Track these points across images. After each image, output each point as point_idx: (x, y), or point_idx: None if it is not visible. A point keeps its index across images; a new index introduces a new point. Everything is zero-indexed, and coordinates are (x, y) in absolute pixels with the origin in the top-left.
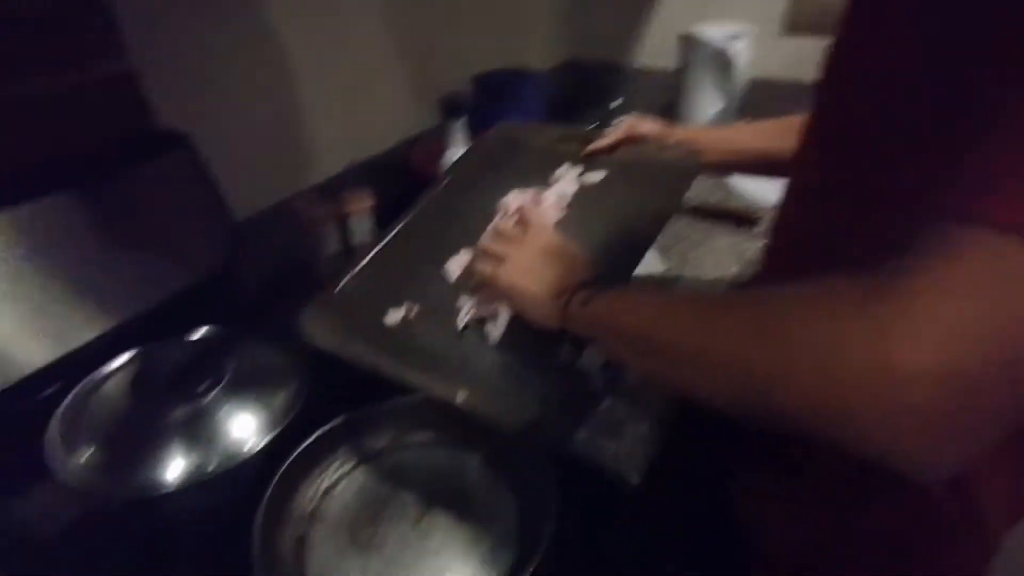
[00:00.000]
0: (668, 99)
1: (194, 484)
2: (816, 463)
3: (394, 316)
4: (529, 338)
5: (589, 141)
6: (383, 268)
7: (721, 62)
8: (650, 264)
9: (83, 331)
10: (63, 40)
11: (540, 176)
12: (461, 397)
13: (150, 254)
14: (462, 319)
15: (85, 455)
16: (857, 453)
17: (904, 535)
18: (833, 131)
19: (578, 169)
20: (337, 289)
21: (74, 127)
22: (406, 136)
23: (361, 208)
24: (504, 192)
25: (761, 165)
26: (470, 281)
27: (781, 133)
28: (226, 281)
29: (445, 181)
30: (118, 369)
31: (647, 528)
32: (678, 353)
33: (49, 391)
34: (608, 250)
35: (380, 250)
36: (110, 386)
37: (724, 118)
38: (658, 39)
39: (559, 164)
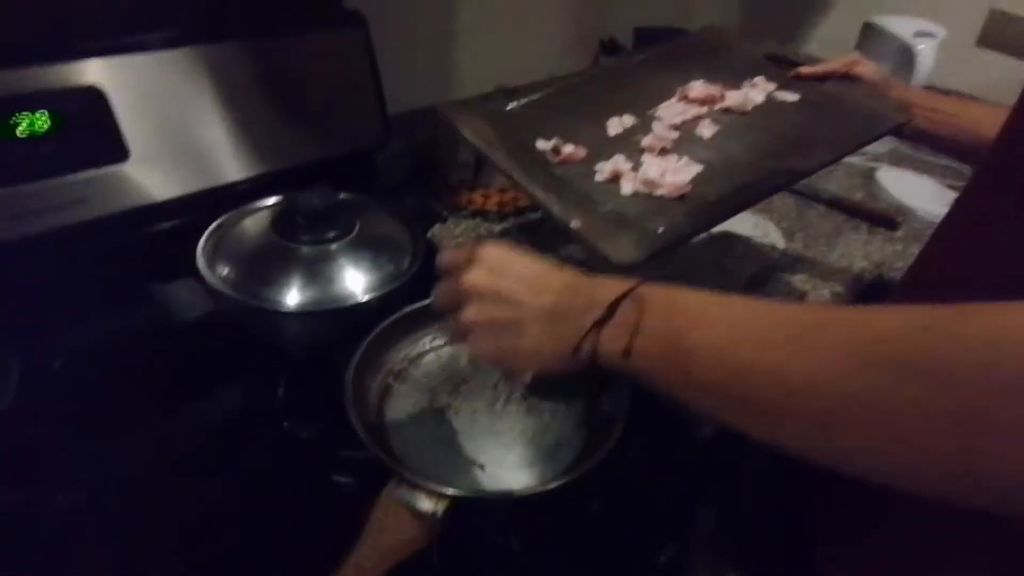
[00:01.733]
0: None
1: (308, 312)
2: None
3: (543, 144)
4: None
5: (798, 66)
6: (550, 105)
7: (903, 60)
8: (771, 238)
9: (238, 171)
10: None
11: (734, 80)
12: (576, 223)
13: (310, 118)
14: (600, 175)
15: (225, 267)
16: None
17: None
18: None
19: (774, 84)
20: (504, 108)
21: None
22: (554, 74)
23: None
24: (691, 80)
25: (971, 149)
26: (627, 139)
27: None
28: (372, 161)
29: (640, 56)
30: (264, 207)
31: (704, 479)
32: (778, 391)
33: (201, 215)
34: (750, 166)
35: (554, 91)
36: (256, 218)
37: None
38: (836, 28)
39: (757, 74)
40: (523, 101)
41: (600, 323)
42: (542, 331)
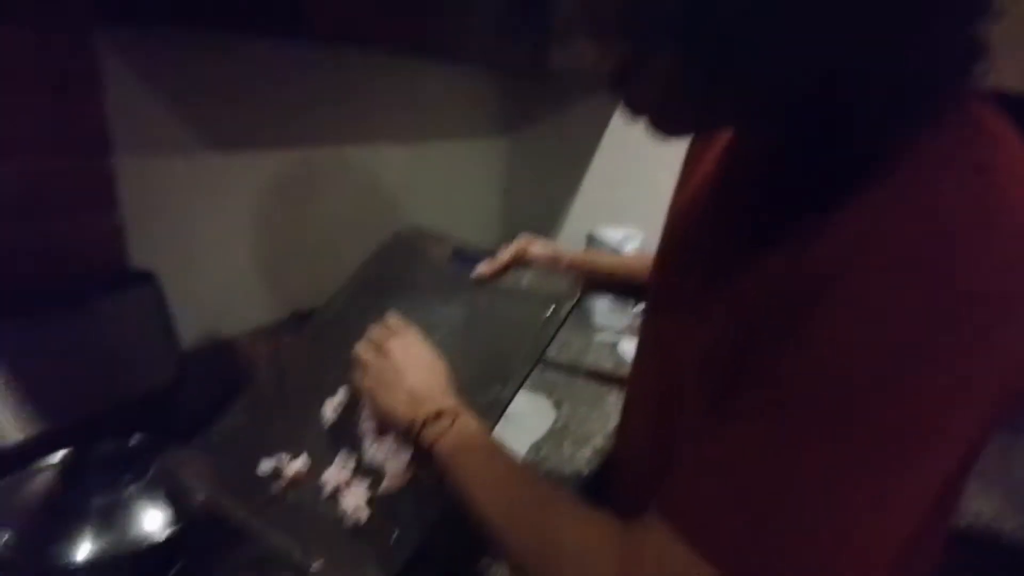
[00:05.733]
0: None
1: (100, 564)
2: None
3: (266, 467)
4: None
5: (482, 256)
6: (264, 408)
7: None
8: (544, 414)
9: (26, 428)
10: (61, 195)
11: (434, 294)
12: (316, 567)
13: (102, 369)
14: (326, 490)
15: (8, 533)
16: None
17: None
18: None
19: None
20: (213, 432)
21: (57, 265)
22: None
23: None
24: (388, 316)
25: (634, 293)
26: (344, 429)
27: None
28: (168, 400)
29: (341, 300)
30: (55, 462)
31: None
32: (490, 527)
33: None
34: (480, 383)
35: (262, 387)
36: (45, 475)
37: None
38: (571, 240)
39: (451, 283)
40: (232, 413)
41: (429, 419)
42: (402, 400)
